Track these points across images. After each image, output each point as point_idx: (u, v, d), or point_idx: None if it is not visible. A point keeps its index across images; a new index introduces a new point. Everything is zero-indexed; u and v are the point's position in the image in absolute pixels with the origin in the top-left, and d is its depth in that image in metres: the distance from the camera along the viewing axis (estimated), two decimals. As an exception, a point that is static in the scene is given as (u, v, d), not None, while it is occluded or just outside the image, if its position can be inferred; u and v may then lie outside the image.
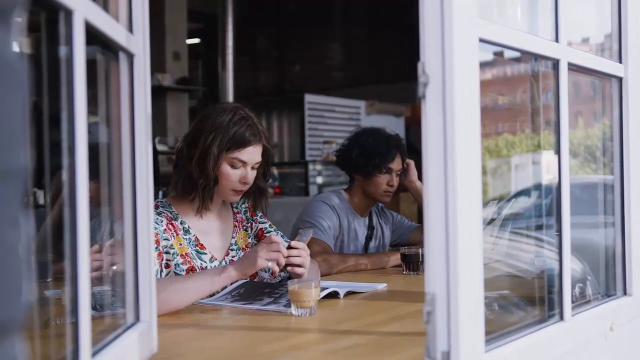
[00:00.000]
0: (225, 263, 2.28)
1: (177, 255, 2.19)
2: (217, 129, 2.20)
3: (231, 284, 2.17)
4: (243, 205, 2.46)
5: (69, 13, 1.01)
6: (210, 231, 2.32)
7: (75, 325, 1.02)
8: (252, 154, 2.25)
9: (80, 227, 1.02)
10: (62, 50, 1.04)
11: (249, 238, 2.42)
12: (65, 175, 1.02)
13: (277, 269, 2.06)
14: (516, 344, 1.36)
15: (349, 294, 2.20)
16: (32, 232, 0.64)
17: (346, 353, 1.53)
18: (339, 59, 10.31)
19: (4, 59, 0.58)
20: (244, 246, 2.39)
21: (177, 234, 2.22)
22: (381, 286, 2.38)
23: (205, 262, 2.24)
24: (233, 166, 2.23)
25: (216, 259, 2.28)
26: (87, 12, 1.06)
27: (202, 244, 2.26)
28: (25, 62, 0.61)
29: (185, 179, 2.23)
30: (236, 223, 2.41)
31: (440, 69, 1.18)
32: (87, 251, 1.03)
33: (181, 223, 2.25)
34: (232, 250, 2.35)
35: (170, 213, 2.25)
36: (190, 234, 2.25)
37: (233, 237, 2.38)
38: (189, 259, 2.20)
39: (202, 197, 2.24)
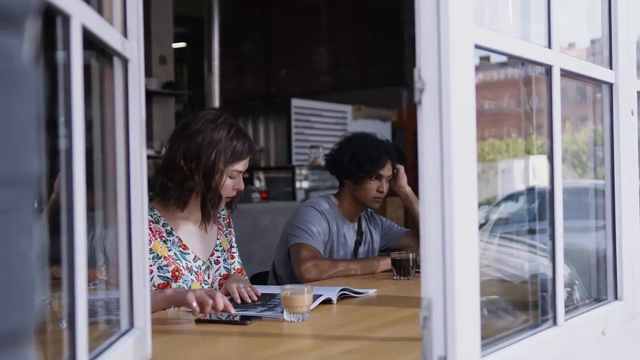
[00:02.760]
0: (210, 263, 2.39)
1: (160, 258, 2.24)
2: (217, 145, 2.27)
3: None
4: (222, 212, 2.54)
5: (66, 18, 1.00)
6: (194, 233, 2.38)
7: (72, 332, 1.01)
8: (247, 163, 2.37)
9: (77, 233, 1.01)
10: (59, 55, 1.03)
11: (228, 243, 2.52)
12: (62, 180, 1.02)
13: (197, 309, 1.89)
14: (511, 349, 1.36)
15: (342, 298, 2.20)
16: (44, 239, 0.64)
17: (341, 359, 1.53)
18: (325, 63, 10.31)
19: (17, 66, 0.57)
20: (227, 249, 2.49)
21: (157, 238, 2.27)
22: (372, 292, 2.38)
23: (190, 261, 2.31)
24: (231, 177, 2.33)
25: (199, 259, 2.36)
26: (84, 17, 1.05)
27: (185, 245, 2.33)
28: (37, 69, 0.61)
29: (187, 193, 2.29)
30: (220, 226, 2.50)
31: (436, 75, 1.18)
32: (84, 257, 1.03)
33: (163, 226, 2.31)
34: (217, 250, 2.44)
35: (152, 216, 2.29)
36: (173, 235, 2.31)
37: (218, 239, 2.46)
38: (172, 260, 2.26)
39: (211, 210, 2.33)
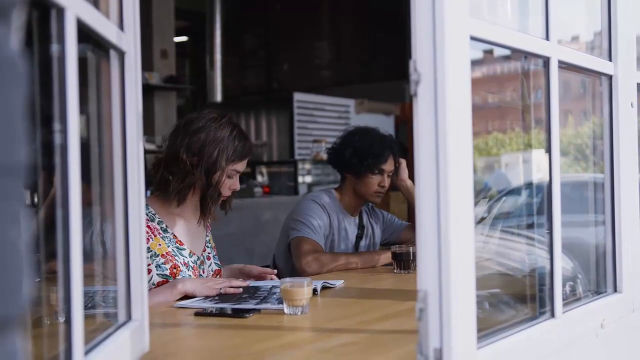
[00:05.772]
0: (203, 258, 2.44)
1: (157, 256, 2.27)
2: (220, 143, 2.31)
3: None
4: None
5: (60, 10, 1.00)
6: (187, 229, 2.42)
7: (68, 324, 1.01)
8: (245, 164, 2.42)
9: (72, 227, 1.01)
10: (54, 48, 1.03)
11: (213, 241, 2.57)
12: (57, 175, 1.02)
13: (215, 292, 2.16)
14: (508, 341, 1.36)
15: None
16: (32, 229, 0.64)
17: (338, 351, 1.53)
18: (327, 57, 10.31)
19: (4, 56, 0.58)
20: (213, 246, 2.55)
21: (155, 235, 2.30)
22: (339, 282, 2.41)
23: (186, 257, 2.36)
24: (229, 176, 2.36)
25: (194, 254, 2.40)
26: (78, 9, 1.05)
27: (180, 241, 2.36)
28: (25, 60, 0.61)
29: (187, 188, 2.32)
30: (208, 224, 2.54)
31: (431, 67, 1.18)
32: (80, 250, 1.03)
33: (158, 223, 2.34)
34: (207, 247, 2.49)
35: (147, 214, 2.30)
36: (168, 232, 2.34)
37: (207, 236, 2.52)
38: (170, 257, 2.30)
39: (211, 207, 2.37)
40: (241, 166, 2.38)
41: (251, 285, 2.29)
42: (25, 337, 0.63)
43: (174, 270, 2.27)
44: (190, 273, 2.32)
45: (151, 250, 2.26)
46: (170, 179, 2.30)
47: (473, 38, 1.26)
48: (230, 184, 2.37)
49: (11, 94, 0.58)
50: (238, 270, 2.54)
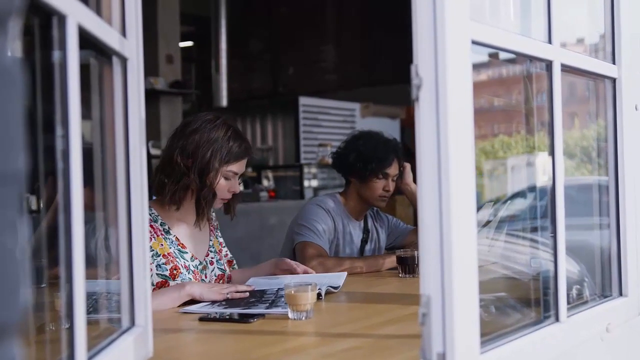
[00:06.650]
0: (205, 262, 2.43)
1: (159, 256, 2.28)
2: (214, 144, 2.31)
3: None
4: (213, 213, 2.58)
5: (62, 18, 1.01)
6: (189, 233, 2.42)
7: (71, 330, 1.02)
8: (243, 166, 2.41)
9: (75, 232, 1.02)
10: (56, 55, 1.03)
11: (219, 244, 2.56)
12: (59, 181, 1.02)
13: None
14: (512, 346, 1.36)
15: (328, 293, 2.22)
16: (29, 236, 0.65)
17: (342, 356, 1.53)
18: (332, 61, 10.29)
19: (2, 64, 0.58)
20: (218, 250, 2.53)
21: (158, 235, 2.31)
22: (342, 277, 2.43)
23: (187, 260, 2.35)
24: (226, 178, 2.35)
25: (196, 258, 2.40)
26: (80, 16, 1.06)
27: (182, 244, 2.37)
28: (22, 67, 0.61)
29: (182, 190, 2.32)
30: (212, 228, 2.54)
31: (433, 71, 1.18)
32: (82, 256, 1.03)
33: (161, 225, 2.34)
34: (211, 251, 2.48)
35: (150, 215, 2.31)
36: (171, 234, 2.35)
37: (210, 240, 2.51)
38: (171, 258, 2.30)
39: (205, 209, 2.36)
40: (237, 167, 2.37)
41: (257, 289, 2.28)
42: (23, 344, 0.63)
43: (174, 272, 2.27)
44: (190, 276, 2.32)
45: (153, 250, 2.26)
46: (165, 181, 2.31)
47: (474, 42, 1.26)
48: (229, 186, 2.36)
49: (8, 102, 0.58)
50: (275, 265, 2.57)
